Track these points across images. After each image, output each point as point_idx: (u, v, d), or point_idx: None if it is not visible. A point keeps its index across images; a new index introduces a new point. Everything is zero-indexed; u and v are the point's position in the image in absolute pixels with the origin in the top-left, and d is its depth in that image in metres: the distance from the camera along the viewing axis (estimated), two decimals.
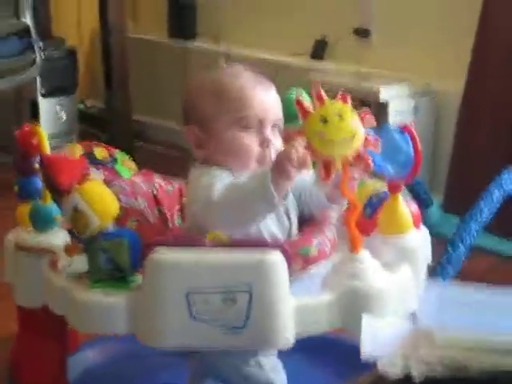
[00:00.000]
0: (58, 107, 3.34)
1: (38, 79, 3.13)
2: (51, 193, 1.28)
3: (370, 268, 1.25)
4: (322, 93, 1.25)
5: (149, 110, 3.66)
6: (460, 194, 2.66)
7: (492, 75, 2.58)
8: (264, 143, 1.38)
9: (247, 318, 1.17)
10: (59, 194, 1.24)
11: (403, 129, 1.33)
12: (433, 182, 2.75)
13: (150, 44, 3.67)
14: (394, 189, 1.34)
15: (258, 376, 1.33)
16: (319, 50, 3.16)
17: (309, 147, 1.21)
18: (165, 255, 1.18)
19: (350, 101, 1.27)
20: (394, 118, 2.62)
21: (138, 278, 1.23)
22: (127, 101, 3.39)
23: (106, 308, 1.21)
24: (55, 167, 1.23)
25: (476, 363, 0.90)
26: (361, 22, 3.01)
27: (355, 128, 1.23)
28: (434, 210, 2.68)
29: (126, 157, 1.68)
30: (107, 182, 1.53)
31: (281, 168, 1.23)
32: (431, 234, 2.34)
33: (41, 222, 1.37)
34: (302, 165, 1.21)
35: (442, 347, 0.91)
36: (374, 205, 1.45)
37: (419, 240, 1.36)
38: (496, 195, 1.96)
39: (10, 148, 3.16)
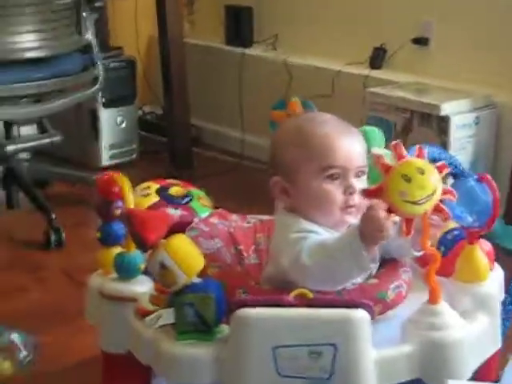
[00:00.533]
0: (118, 118, 3.40)
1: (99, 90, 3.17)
2: (137, 246, 1.32)
3: (449, 320, 1.27)
4: (403, 149, 1.27)
5: (205, 116, 3.70)
6: None
7: None
8: (348, 191, 1.40)
9: (332, 371, 1.20)
10: (146, 249, 1.28)
11: (481, 178, 1.34)
12: None
13: (207, 50, 3.69)
14: (473, 238, 1.36)
15: None
16: (377, 59, 3.16)
17: (390, 205, 1.24)
18: (251, 312, 1.21)
19: (426, 154, 1.28)
20: (456, 132, 2.62)
21: (223, 330, 1.27)
22: (186, 106, 3.43)
23: (193, 359, 1.26)
24: (141, 223, 1.26)
25: None
26: (420, 31, 3.01)
27: (436, 184, 1.24)
28: (496, 223, 2.68)
29: (202, 194, 1.72)
30: (185, 223, 1.58)
31: (369, 237, 1.26)
32: (493, 246, 2.34)
33: (125, 270, 1.41)
34: (387, 231, 1.23)
35: None
36: (448, 243, 1.47)
37: (496, 287, 1.37)
38: None
39: (75, 160, 3.28)
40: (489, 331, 1.34)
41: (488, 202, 1.33)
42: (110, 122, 3.39)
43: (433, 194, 1.23)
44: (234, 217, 1.63)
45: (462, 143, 2.66)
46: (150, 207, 1.62)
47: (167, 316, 1.29)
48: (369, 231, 1.27)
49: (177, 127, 3.42)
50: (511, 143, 2.69)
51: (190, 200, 1.68)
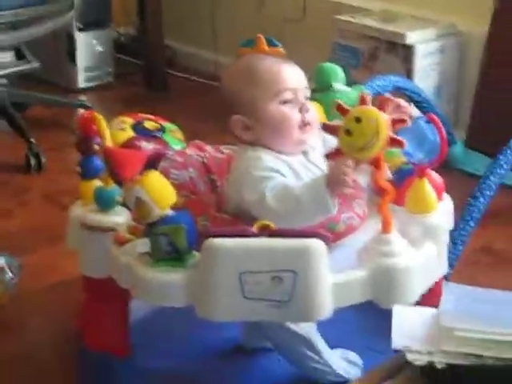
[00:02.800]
0: (93, 41, 3.47)
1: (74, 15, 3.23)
2: (114, 181, 1.43)
3: (399, 248, 1.41)
4: (343, 105, 1.38)
5: (180, 37, 3.76)
6: (483, 131, 2.79)
7: None
8: (302, 109, 1.54)
9: (292, 295, 1.33)
10: (122, 184, 1.39)
11: (429, 119, 1.46)
12: (457, 120, 2.87)
13: None
14: (421, 173, 1.48)
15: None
16: None
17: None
18: (219, 242, 1.33)
19: (389, 107, 1.38)
20: (420, 60, 2.72)
21: (195, 257, 1.40)
22: (159, 27, 3.49)
23: (167, 284, 1.38)
24: (117, 161, 1.38)
25: (491, 353, 1.07)
26: None
27: (377, 124, 1.35)
28: (458, 148, 2.81)
29: (175, 128, 1.82)
30: (160, 154, 1.69)
31: (337, 187, 1.39)
32: (455, 169, 2.46)
33: (104, 203, 1.52)
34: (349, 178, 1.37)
35: (460, 340, 1.08)
36: (402, 176, 1.59)
37: (442, 219, 1.50)
38: None
39: (52, 83, 3.35)
40: (435, 258, 1.47)
41: (436, 141, 1.44)
42: (86, 46, 3.46)
43: (377, 135, 1.34)
44: (208, 148, 1.75)
45: (426, 71, 2.76)
46: (126, 142, 1.72)
47: (143, 245, 1.41)
48: (335, 177, 1.39)
49: (151, 48, 3.49)
50: (474, 71, 2.78)
51: (163, 133, 1.78)
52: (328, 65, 1.84)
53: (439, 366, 1.07)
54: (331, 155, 1.43)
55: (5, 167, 2.82)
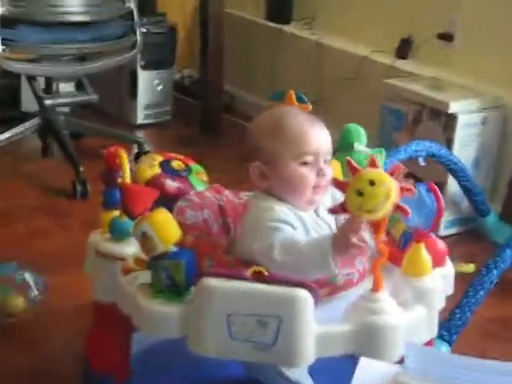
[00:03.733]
0: (155, 80, 3.62)
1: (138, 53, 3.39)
2: (126, 215, 1.54)
3: (386, 307, 1.47)
4: (354, 164, 1.45)
5: (239, 85, 3.89)
6: None
7: None
8: (320, 173, 1.61)
9: (276, 339, 1.41)
10: (132, 218, 1.49)
11: (429, 187, 1.52)
12: (495, 193, 2.92)
13: (246, 22, 3.88)
14: (418, 238, 1.54)
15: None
16: (404, 49, 3.31)
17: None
18: (212, 282, 1.42)
19: (379, 162, 1.45)
20: (461, 130, 2.78)
21: (192, 293, 1.48)
22: (219, 72, 3.62)
23: (163, 315, 1.47)
24: (130, 197, 1.48)
25: None
26: (446, 26, 3.14)
27: (388, 189, 1.41)
28: (491, 218, 2.85)
29: (201, 169, 1.93)
30: (180, 193, 1.79)
31: (343, 249, 1.46)
32: (488, 240, 2.50)
33: (118, 233, 1.63)
34: (360, 245, 1.44)
35: None
36: (407, 239, 1.66)
37: (436, 283, 1.56)
38: None
39: (112, 117, 3.51)
40: (423, 321, 1.53)
41: (434, 208, 1.51)
42: (148, 84, 3.62)
43: (386, 199, 1.41)
44: (227, 192, 1.84)
45: (466, 141, 2.81)
46: (152, 178, 1.83)
47: (145, 277, 1.50)
48: (343, 240, 1.46)
49: (209, 91, 3.62)
50: None
51: (189, 174, 1.88)
52: (352, 125, 1.92)
53: None
54: (334, 210, 1.50)
55: (53, 191, 2.97)
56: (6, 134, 3.08)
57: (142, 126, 3.68)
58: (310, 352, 1.43)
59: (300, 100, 1.91)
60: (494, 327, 2.34)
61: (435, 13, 3.17)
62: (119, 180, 1.67)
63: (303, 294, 1.41)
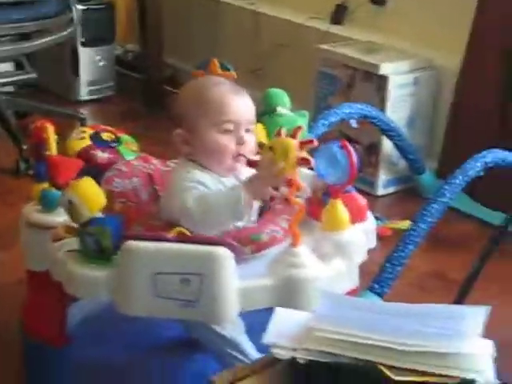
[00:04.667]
0: (97, 56, 3.66)
1: (79, 30, 3.43)
2: (53, 186, 1.59)
3: (305, 260, 1.54)
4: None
5: (181, 57, 3.93)
6: (453, 162, 2.90)
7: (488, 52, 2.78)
8: (240, 142, 1.68)
9: (199, 296, 1.48)
10: (58, 188, 1.55)
11: (342, 146, 1.59)
12: (430, 151, 3.01)
13: None
14: (334, 193, 1.61)
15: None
16: (339, 15, 3.38)
17: None
18: (135, 244, 1.48)
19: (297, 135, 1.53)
20: (393, 91, 2.86)
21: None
22: (160, 44, 3.68)
23: (91, 280, 1.53)
24: (55, 167, 1.54)
25: (347, 353, 1.20)
26: None
27: (285, 148, 1.51)
28: (427, 177, 2.94)
29: (130, 139, 1.98)
30: (110, 163, 1.85)
31: (256, 190, 1.55)
32: (424, 198, 2.58)
33: (47, 204, 1.68)
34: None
35: (321, 340, 1.21)
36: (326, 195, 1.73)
37: (353, 236, 1.63)
38: (459, 180, 2.22)
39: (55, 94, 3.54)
40: (343, 273, 1.60)
41: (346, 164, 1.58)
42: (89, 60, 3.66)
43: (285, 156, 1.50)
44: (155, 161, 1.90)
45: (399, 101, 2.90)
46: (82, 150, 1.89)
47: (74, 243, 1.56)
48: (254, 185, 1.54)
49: (150, 65, 3.68)
50: (447, 103, 2.92)
51: (119, 144, 1.94)
52: (274, 90, 1.98)
53: (301, 362, 1.21)
54: (251, 163, 1.59)
55: None
56: None
57: (86, 102, 3.72)
58: (233, 307, 1.50)
59: (224, 67, 1.97)
60: (430, 282, 2.43)
61: None
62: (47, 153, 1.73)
63: (222, 252, 1.47)
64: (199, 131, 1.68)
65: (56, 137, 1.71)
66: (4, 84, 3.16)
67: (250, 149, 1.69)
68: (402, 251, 2.15)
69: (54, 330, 1.73)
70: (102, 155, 1.89)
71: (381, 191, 2.99)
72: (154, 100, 3.66)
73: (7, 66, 3.20)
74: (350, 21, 3.36)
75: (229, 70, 1.95)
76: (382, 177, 2.98)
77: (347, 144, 1.58)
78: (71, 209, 1.53)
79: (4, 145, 3.12)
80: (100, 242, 1.52)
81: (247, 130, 1.70)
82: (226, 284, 1.49)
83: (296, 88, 2.07)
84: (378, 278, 2.12)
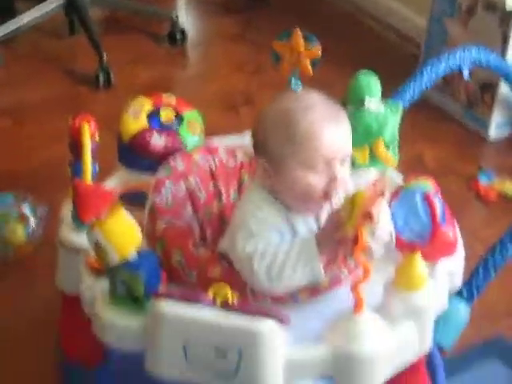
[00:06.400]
0: None
1: None
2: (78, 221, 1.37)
3: (367, 332, 1.30)
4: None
5: None
6: None
7: None
8: (332, 180, 1.37)
9: (237, 372, 1.27)
10: (82, 224, 1.33)
11: (425, 197, 1.30)
12: None
13: None
14: (412, 249, 1.34)
15: None
16: None
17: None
18: (166, 308, 1.27)
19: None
20: None
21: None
22: None
23: (119, 328, 1.34)
24: (83, 200, 1.31)
25: None
26: None
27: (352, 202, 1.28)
28: None
29: (194, 115, 1.72)
30: (167, 152, 1.61)
31: (329, 245, 1.32)
32: None
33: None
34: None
35: None
36: None
37: (430, 299, 1.37)
38: None
39: None
40: (413, 340, 1.36)
41: (428, 223, 1.30)
42: None
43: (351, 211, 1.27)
44: (221, 151, 1.64)
45: None
46: (138, 133, 1.66)
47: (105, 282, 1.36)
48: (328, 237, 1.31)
49: None
50: None
51: (179, 124, 1.69)
52: (363, 77, 1.66)
53: None
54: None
55: (76, 77, 2.81)
56: (33, 12, 2.91)
57: None
58: (277, 380, 1.29)
59: (308, 40, 1.69)
60: None
61: None
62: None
63: (266, 329, 1.25)
64: (282, 167, 1.38)
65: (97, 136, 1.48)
66: None
67: (343, 184, 1.39)
68: (500, 253, 1.86)
69: (90, 352, 1.57)
70: (158, 142, 1.65)
71: (493, 133, 2.65)
72: None
73: None
74: None
75: (313, 42, 1.67)
76: (497, 118, 2.63)
77: (432, 201, 1.30)
78: (98, 251, 1.31)
79: (86, 52, 2.89)
80: (132, 291, 1.32)
81: (342, 162, 1.39)
82: (268, 363, 1.27)
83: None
84: (467, 282, 1.85)
